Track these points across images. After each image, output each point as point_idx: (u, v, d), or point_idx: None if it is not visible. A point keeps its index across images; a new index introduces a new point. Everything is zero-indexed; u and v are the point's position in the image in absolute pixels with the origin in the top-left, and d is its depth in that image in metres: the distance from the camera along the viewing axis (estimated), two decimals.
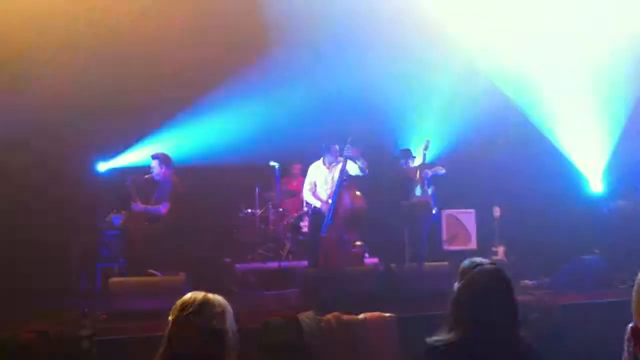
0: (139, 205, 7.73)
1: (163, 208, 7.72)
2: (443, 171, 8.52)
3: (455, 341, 2.65)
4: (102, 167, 9.66)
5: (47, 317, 5.96)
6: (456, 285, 2.79)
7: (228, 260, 9.33)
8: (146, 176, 7.82)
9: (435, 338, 2.71)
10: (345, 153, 7.58)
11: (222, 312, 2.66)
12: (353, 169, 7.69)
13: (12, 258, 8.04)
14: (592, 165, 9.94)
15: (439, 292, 6.63)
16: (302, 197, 8.76)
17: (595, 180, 9.87)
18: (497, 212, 9.22)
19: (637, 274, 1.83)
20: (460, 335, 2.66)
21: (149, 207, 7.79)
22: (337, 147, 7.81)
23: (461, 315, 2.72)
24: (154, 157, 7.91)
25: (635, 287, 1.80)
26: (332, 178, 7.79)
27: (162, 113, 9.47)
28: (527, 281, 7.60)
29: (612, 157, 9.77)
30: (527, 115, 9.95)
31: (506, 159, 9.61)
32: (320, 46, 9.39)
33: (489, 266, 2.79)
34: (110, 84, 8.81)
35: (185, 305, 2.63)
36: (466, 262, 2.84)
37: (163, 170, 7.81)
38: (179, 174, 8.00)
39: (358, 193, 7.70)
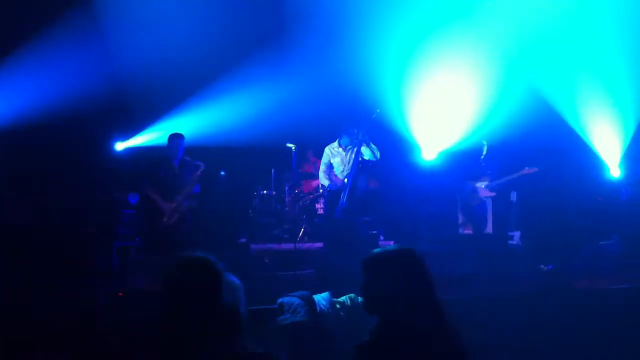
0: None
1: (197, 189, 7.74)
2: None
3: (378, 335, 2.60)
4: (120, 146, 9.72)
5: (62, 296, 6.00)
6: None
7: (243, 240, 9.36)
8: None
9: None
10: (360, 137, 7.57)
11: (235, 289, 2.64)
12: (366, 153, 7.68)
13: (29, 237, 8.10)
14: (610, 150, 9.84)
15: (455, 275, 6.71)
16: (318, 179, 8.74)
17: (613, 165, 9.77)
18: (513, 196, 9.16)
19: None
20: (381, 328, 2.62)
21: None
22: (355, 130, 7.79)
23: (375, 305, 2.68)
24: (182, 136, 7.75)
25: None
26: (349, 160, 7.78)
27: (178, 93, 9.49)
28: (543, 266, 7.56)
29: (630, 142, 9.67)
30: (547, 100, 9.86)
31: (524, 144, 9.54)
32: (335, 29, 9.36)
33: (385, 250, 2.74)
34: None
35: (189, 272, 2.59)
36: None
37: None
38: (198, 155, 7.99)
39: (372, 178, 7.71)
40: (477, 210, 8.64)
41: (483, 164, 8.75)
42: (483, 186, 8.61)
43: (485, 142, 8.75)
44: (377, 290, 2.65)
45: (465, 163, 8.94)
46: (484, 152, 8.71)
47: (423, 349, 2.53)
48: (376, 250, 2.77)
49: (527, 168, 8.52)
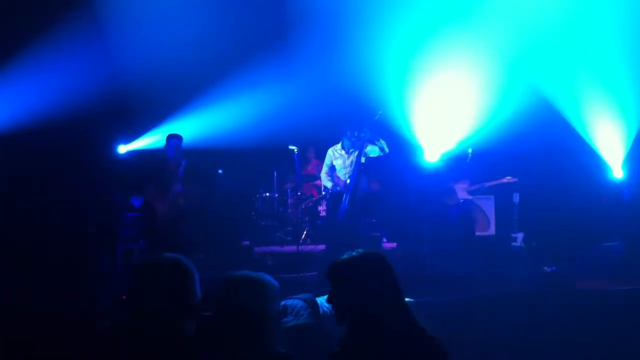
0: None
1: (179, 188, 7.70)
2: None
3: (350, 344, 2.56)
4: (122, 149, 9.73)
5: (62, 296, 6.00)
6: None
7: (246, 243, 9.36)
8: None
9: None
10: (364, 136, 7.56)
11: (264, 289, 2.64)
12: (373, 151, 7.67)
13: (30, 238, 8.12)
14: (613, 151, 9.82)
15: (459, 275, 6.71)
16: (320, 181, 8.74)
17: (616, 166, 9.75)
18: (516, 198, 9.16)
19: None
20: (351, 336, 2.58)
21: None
22: (355, 132, 7.77)
23: (345, 314, 2.63)
24: (179, 137, 7.77)
25: None
26: (351, 163, 7.77)
27: (181, 96, 9.50)
28: (546, 267, 7.56)
29: (633, 143, 9.65)
30: (549, 100, 9.84)
31: (526, 145, 9.53)
32: (338, 31, 9.36)
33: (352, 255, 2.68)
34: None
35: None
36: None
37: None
38: (200, 157, 8.00)
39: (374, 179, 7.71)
40: (454, 210, 8.61)
41: (466, 168, 8.76)
42: (462, 188, 8.62)
43: (470, 149, 8.80)
44: (346, 298, 2.61)
45: (450, 166, 8.95)
46: (469, 158, 8.74)
47: (396, 353, 2.50)
48: (341, 257, 2.71)
49: (507, 177, 8.58)
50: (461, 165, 8.75)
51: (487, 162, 8.88)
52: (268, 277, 2.68)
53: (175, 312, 2.57)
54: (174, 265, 2.64)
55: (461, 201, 8.64)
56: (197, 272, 2.67)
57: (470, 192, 8.56)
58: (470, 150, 8.76)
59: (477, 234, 9.23)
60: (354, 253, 2.71)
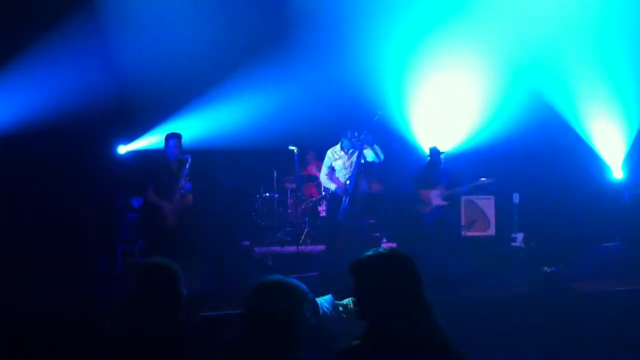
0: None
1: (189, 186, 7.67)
2: None
3: (369, 341, 2.52)
4: (122, 149, 9.74)
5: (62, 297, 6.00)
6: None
7: (246, 243, 9.36)
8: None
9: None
10: (362, 138, 7.56)
11: (294, 296, 2.60)
12: (369, 155, 7.67)
13: (31, 238, 8.13)
14: (613, 152, 9.81)
15: (457, 276, 6.71)
16: (320, 181, 8.75)
17: (616, 167, 9.75)
18: (516, 198, 9.15)
19: None
20: (371, 333, 2.54)
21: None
22: (355, 133, 7.76)
23: (368, 311, 2.60)
24: (178, 136, 7.70)
25: None
26: (351, 164, 7.77)
27: (181, 96, 9.51)
28: (546, 268, 7.56)
29: (633, 144, 9.65)
30: (549, 101, 9.84)
31: (526, 145, 9.53)
32: (338, 32, 9.37)
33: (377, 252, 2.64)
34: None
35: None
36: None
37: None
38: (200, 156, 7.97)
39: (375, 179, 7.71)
40: (425, 218, 8.50)
41: (438, 172, 8.63)
42: (437, 194, 8.48)
43: (443, 154, 8.70)
44: (369, 295, 2.58)
45: (422, 171, 8.84)
46: (441, 162, 8.65)
47: (413, 353, 2.46)
48: (365, 254, 2.67)
49: (482, 178, 8.51)
50: (434, 170, 8.63)
51: (471, 164, 8.84)
52: (297, 282, 2.67)
53: (171, 312, 2.59)
54: (164, 267, 2.67)
55: (436, 208, 8.51)
56: (181, 271, 2.70)
57: (445, 198, 8.46)
58: (443, 156, 8.69)
59: (477, 234, 9.24)
60: (380, 249, 2.69)
